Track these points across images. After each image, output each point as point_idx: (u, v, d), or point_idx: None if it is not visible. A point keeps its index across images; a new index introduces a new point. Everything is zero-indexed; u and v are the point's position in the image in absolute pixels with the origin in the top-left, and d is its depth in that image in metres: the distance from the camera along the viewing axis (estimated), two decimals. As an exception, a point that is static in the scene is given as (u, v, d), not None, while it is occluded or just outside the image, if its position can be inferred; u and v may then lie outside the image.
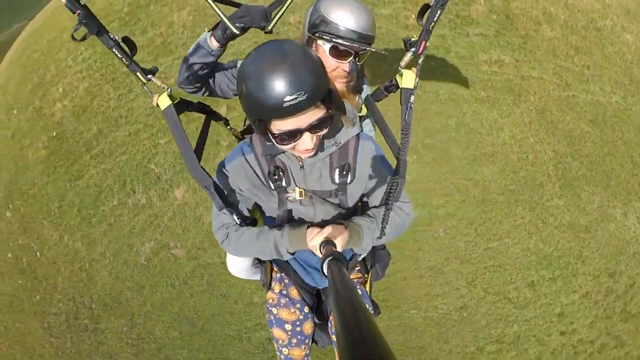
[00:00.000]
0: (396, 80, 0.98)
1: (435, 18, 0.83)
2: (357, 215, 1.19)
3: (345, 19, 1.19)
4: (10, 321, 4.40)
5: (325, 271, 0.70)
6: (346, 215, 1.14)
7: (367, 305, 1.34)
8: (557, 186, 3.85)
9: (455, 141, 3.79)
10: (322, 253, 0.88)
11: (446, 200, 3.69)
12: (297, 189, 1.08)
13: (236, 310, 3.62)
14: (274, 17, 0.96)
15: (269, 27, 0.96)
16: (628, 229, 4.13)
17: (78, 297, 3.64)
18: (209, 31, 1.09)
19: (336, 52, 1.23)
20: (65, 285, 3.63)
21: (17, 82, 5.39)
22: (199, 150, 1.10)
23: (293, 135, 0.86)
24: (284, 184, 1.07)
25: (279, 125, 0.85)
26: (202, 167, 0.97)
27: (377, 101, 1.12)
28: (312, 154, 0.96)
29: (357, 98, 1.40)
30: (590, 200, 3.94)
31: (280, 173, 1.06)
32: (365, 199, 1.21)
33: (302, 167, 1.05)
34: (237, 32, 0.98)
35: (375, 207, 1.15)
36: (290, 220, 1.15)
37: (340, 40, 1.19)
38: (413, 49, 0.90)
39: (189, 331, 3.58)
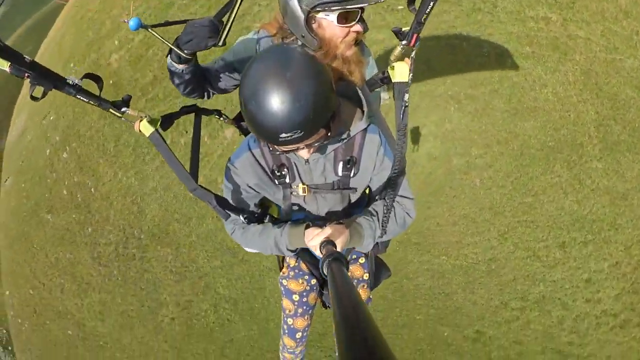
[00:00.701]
0: (388, 74, 0.92)
1: (428, 10, 0.76)
2: (361, 207, 1.21)
3: None
4: (61, 253, 4.61)
5: (325, 271, 0.69)
6: (350, 208, 1.16)
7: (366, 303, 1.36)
8: (597, 148, 3.81)
9: (498, 94, 3.77)
10: (322, 253, 0.89)
11: (485, 151, 3.68)
12: (301, 185, 1.09)
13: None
14: (225, 25, 0.87)
15: (220, 42, 0.89)
16: None
17: (128, 228, 3.80)
18: (166, 56, 1.05)
19: (345, 16, 1.06)
20: (117, 217, 3.80)
21: (72, 39, 5.59)
22: (194, 164, 1.09)
23: (289, 151, 0.92)
24: (287, 180, 1.09)
25: (276, 146, 0.89)
26: (200, 186, 0.99)
27: (372, 90, 1.08)
28: (311, 154, 0.99)
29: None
30: (630, 167, 3.88)
31: (284, 170, 1.07)
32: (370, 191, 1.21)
33: (307, 161, 1.05)
34: (190, 58, 0.96)
35: (374, 202, 1.15)
36: (295, 214, 1.18)
37: (347, 5, 1.01)
38: (404, 42, 0.84)
39: (229, 261, 3.69)
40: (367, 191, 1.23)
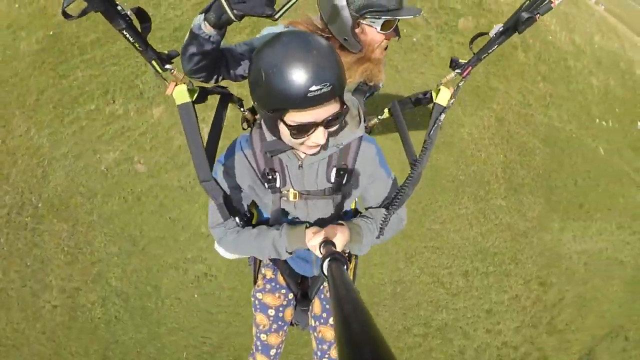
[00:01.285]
0: (430, 94, 0.99)
1: (491, 50, 0.84)
2: (349, 216, 1.20)
3: None
4: None
5: (325, 271, 0.70)
6: (339, 216, 1.14)
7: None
8: (502, 188, 4.17)
9: (420, 125, 4.12)
10: (321, 253, 0.88)
11: (401, 175, 3.97)
12: (292, 191, 1.07)
13: (181, 237, 3.72)
14: (284, 4, 0.81)
15: (276, 16, 0.81)
16: (563, 244, 4.44)
17: (27, 192, 3.69)
18: (200, 13, 0.93)
19: (387, 25, 1.21)
20: (18, 178, 3.69)
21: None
22: (211, 153, 0.99)
23: (307, 128, 0.84)
24: (277, 184, 1.06)
25: (296, 117, 0.82)
26: (214, 179, 0.92)
27: (403, 108, 1.12)
28: (317, 150, 0.95)
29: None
30: (531, 208, 4.26)
31: (275, 173, 1.04)
32: (361, 200, 1.22)
33: (300, 166, 1.03)
34: (235, 20, 0.84)
35: (372, 207, 1.14)
36: (283, 220, 1.14)
37: (396, 15, 1.17)
38: (458, 70, 0.91)
39: (128, 249, 3.64)
40: (357, 200, 1.21)
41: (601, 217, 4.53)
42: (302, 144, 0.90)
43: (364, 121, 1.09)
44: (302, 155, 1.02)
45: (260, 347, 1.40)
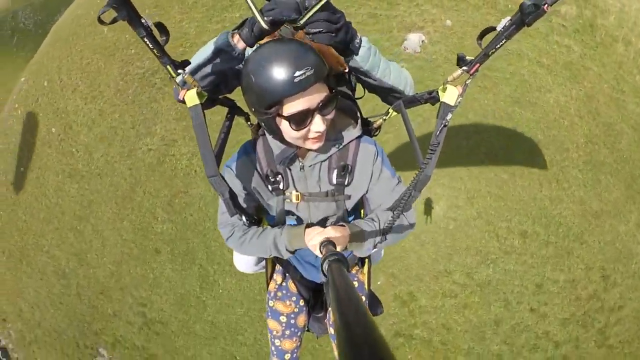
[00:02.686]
0: (437, 93, 0.93)
1: (498, 45, 0.79)
2: (354, 217, 1.21)
3: None
4: (96, 60, 5.08)
5: (324, 271, 0.70)
6: (343, 218, 1.15)
7: (364, 298, 1.40)
8: (581, 160, 4.01)
9: (507, 82, 4.19)
10: (321, 253, 0.90)
11: (479, 120, 4.00)
12: (294, 193, 1.10)
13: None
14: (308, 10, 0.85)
15: (302, 21, 0.85)
16: (637, 241, 4.05)
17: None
18: (231, 31, 0.98)
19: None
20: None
21: None
22: (220, 153, 1.04)
23: (304, 117, 0.89)
24: (281, 186, 1.09)
25: (290, 108, 0.87)
26: (220, 175, 0.96)
27: (409, 107, 1.08)
28: (322, 142, 0.97)
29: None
30: (608, 189, 4.01)
31: (279, 176, 1.08)
32: (365, 201, 1.21)
33: (302, 168, 1.06)
34: (267, 28, 0.87)
35: (377, 209, 1.14)
36: (285, 222, 1.17)
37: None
38: (465, 67, 0.86)
39: None
40: (361, 201, 1.22)
41: (687, 225, 4.12)
42: (305, 139, 0.94)
43: (362, 121, 1.11)
44: (303, 159, 1.06)
45: (275, 352, 1.46)
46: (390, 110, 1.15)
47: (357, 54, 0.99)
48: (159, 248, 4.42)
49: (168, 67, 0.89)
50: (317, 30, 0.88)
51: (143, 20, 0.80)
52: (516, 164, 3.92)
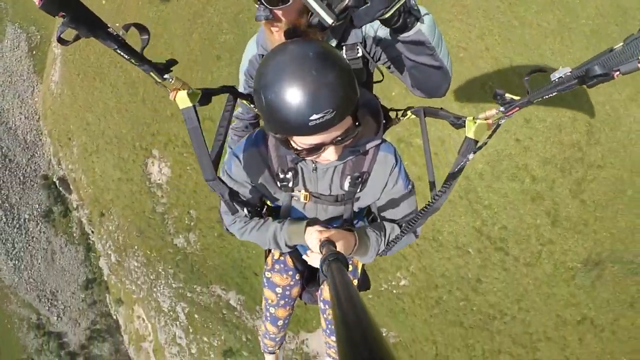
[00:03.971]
0: (464, 122, 0.87)
1: (547, 96, 0.71)
2: (359, 221, 1.21)
3: None
4: None
5: (324, 271, 0.70)
6: (349, 221, 1.14)
7: (356, 281, 1.44)
8: (588, 28, 4.56)
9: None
10: (321, 252, 0.89)
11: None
12: (303, 192, 1.07)
13: None
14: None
15: (387, 14, 0.72)
16: (627, 113, 4.47)
17: None
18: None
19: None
20: None
21: None
22: (218, 153, 1.00)
23: (316, 149, 0.83)
24: (291, 184, 1.05)
25: (303, 140, 0.80)
26: (219, 178, 0.94)
27: (428, 116, 1.02)
28: (334, 159, 0.90)
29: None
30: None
31: (289, 174, 1.04)
32: (374, 209, 1.19)
33: (315, 169, 1.02)
34: (331, 24, 0.73)
35: (386, 220, 1.13)
36: (292, 217, 1.15)
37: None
38: (502, 109, 0.78)
39: None
40: (369, 207, 1.20)
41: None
42: (314, 159, 0.90)
43: (384, 125, 1.05)
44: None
45: (269, 318, 1.56)
46: (409, 113, 1.09)
47: (422, 22, 0.81)
48: (220, 55, 5.45)
49: (151, 73, 0.83)
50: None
51: (110, 30, 0.72)
52: (529, 16, 4.56)
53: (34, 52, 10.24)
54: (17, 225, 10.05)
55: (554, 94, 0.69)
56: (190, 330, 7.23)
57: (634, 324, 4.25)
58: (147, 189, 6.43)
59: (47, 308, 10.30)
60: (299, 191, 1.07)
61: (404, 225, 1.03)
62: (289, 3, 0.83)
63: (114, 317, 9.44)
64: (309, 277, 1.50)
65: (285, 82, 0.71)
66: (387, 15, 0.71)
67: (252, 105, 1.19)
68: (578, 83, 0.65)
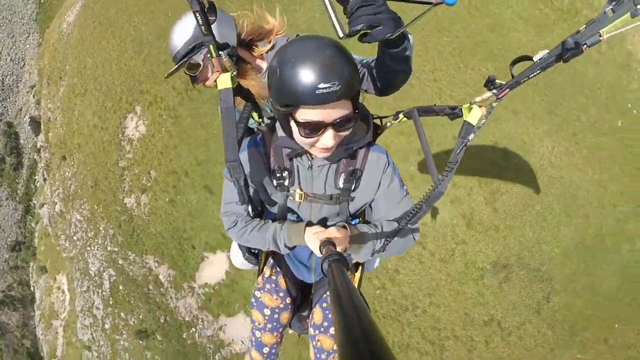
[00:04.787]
0: (460, 110, 0.91)
1: (532, 75, 0.76)
2: (351, 223, 1.21)
3: None
4: None
5: (324, 270, 0.71)
6: (344, 221, 1.16)
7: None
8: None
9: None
10: (321, 252, 0.91)
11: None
12: (298, 192, 1.10)
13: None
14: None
15: (392, 36, 0.84)
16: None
17: None
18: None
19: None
20: None
21: None
22: (240, 140, 1.02)
23: (317, 128, 0.87)
24: (286, 183, 1.09)
25: (305, 114, 0.86)
26: (239, 161, 0.96)
27: (423, 116, 1.04)
28: (328, 153, 0.96)
29: None
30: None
31: (285, 173, 1.08)
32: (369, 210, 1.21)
33: (310, 167, 1.07)
34: (343, 37, 0.82)
35: (383, 220, 1.14)
36: (286, 218, 1.17)
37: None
38: (494, 91, 0.83)
39: None
40: (363, 209, 1.23)
41: None
42: (311, 145, 0.94)
43: (372, 128, 1.14)
44: (313, 157, 1.05)
45: (254, 343, 1.47)
46: (401, 116, 1.13)
47: (409, 40, 1.00)
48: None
49: (210, 46, 0.91)
50: (360, 25, 0.81)
51: None
52: (474, 61, 5.63)
53: (42, 0, 10.22)
54: (-37, 163, 9.34)
55: (537, 72, 0.77)
56: (110, 302, 6.76)
57: (540, 331, 4.26)
58: (118, 141, 6.81)
59: (-36, 257, 9.52)
60: (294, 190, 1.11)
61: (404, 219, 1.02)
62: (198, 71, 1.30)
63: (32, 288, 8.75)
64: (300, 303, 1.49)
65: (302, 57, 0.81)
66: (393, 37, 0.84)
67: (260, 120, 1.20)
68: (556, 60, 0.74)
